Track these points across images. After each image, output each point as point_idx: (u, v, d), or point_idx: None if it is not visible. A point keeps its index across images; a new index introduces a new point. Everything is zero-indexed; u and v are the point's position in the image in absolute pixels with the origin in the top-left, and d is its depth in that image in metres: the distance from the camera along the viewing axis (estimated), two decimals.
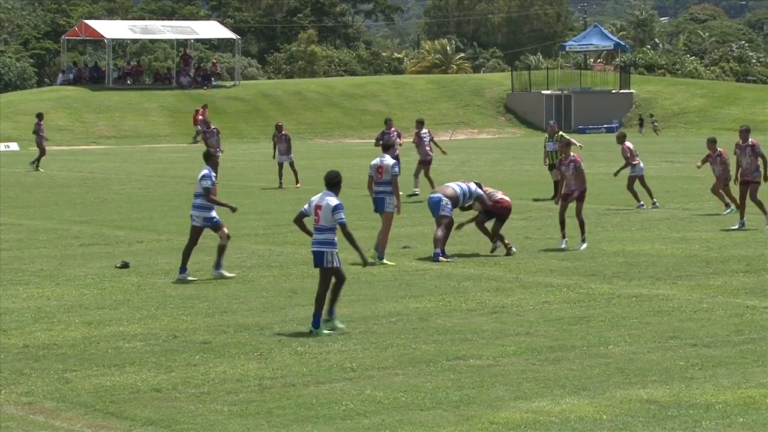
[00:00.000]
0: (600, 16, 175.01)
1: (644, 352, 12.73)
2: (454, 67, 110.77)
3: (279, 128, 35.45)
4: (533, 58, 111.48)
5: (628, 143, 27.82)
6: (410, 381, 11.54)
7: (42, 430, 10.00)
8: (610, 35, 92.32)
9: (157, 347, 13.08)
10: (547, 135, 31.25)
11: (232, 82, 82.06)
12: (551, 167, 29.26)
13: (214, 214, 18.06)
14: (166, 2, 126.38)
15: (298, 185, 34.00)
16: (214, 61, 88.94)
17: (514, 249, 20.02)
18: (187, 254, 17.70)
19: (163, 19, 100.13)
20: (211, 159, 18.59)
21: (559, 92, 79.80)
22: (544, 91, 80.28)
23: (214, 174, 18.44)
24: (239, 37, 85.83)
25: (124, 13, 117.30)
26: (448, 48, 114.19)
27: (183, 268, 17.61)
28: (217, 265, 17.86)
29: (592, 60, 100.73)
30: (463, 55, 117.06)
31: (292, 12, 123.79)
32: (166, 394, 11.10)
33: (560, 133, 30.04)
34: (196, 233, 18.03)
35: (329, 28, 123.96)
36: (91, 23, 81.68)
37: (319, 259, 13.88)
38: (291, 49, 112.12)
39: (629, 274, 17.88)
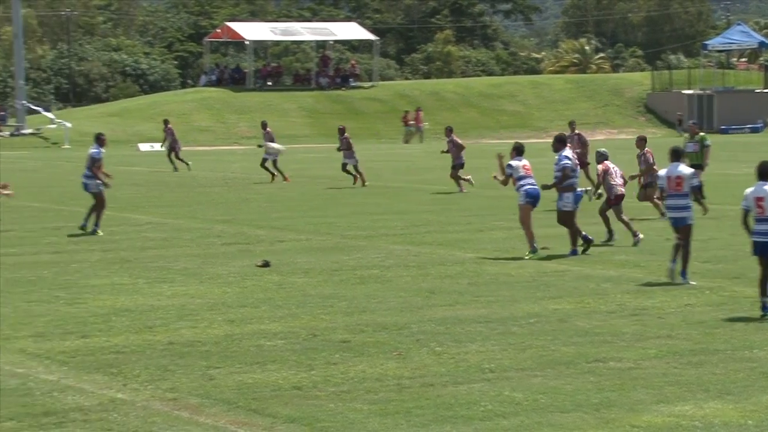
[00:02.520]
0: (743, 14, 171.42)
1: None
2: (593, 66, 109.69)
3: (341, 131, 35.98)
4: (674, 58, 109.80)
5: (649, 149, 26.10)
6: (549, 383, 11.48)
7: (187, 425, 10.18)
8: (753, 33, 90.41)
9: (297, 345, 13.23)
10: (687, 135, 30.75)
11: (370, 83, 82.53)
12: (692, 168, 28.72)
13: None
14: (307, 4, 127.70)
15: (365, 184, 34.64)
16: (353, 62, 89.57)
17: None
18: None
19: (303, 21, 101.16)
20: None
21: (701, 92, 78.46)
22: (685, 91, 79.02)
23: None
24: (378, 38, 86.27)
25: (266, 16, 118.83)
26: (586, 47, 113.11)
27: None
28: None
29: (735, 59, 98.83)
30: (602, 54, 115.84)
31: (431, 13, 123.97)
32: (307, 392, 11.22)
33: (701, 134, 29.48)
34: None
35: (468, 28, 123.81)
36: (233, 25, 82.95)
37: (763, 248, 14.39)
38: (428, 49, 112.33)
39: None
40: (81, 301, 15.98)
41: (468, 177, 33.05)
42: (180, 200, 31.42)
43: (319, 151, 57.54)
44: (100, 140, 24.39)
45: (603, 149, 22.72)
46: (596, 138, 72.65)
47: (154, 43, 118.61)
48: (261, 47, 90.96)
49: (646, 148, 25.24)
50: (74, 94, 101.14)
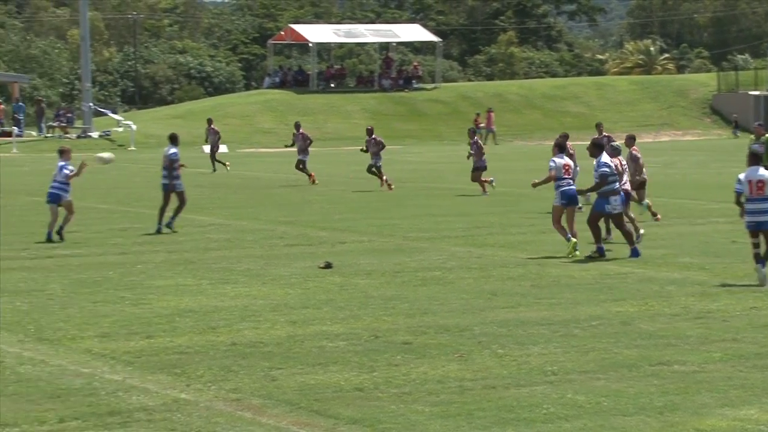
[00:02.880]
0: None
1: None
2: (658, 68, 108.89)
3: (369, 132, 35.93)
4: (741, 58, 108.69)
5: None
6: (612, 386, 11.42)
7: (250, 426, 10.24)
8: None
9: (359, 347, 13.26)
10: (752, 137, 30.47)
11: (433, 85, 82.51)
12: None
13: None
14: (371, 6, 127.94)
15: (388, 187, 34.45)
16: (416, 64, 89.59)
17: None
18: None
19: (366, 23, 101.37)
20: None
21: None
22: (751, 92, 78.19)
23: None
24: (441, 39, 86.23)
25: (330, 18, 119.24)
26: (651, 48, 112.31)
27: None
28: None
29: None
30: (667, 55, 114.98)
31: (494, 14, 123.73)
32: (369, 393, 11.24)
33: (767, 135, 29.19)
34: None
35: (531, 29, 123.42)
36: (297, 28, 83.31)
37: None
38: (491, 51, 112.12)
39: None
40: (146, 301, 16.13)
41: (491, 179, 32.90)
42: (243, 202, 31.61)
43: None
44: (175, 140, 24.97)
45: (616, 143, 22.65)
46: (661, 139, 72.17)
47: (218, 46, 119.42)
48: (324, 49, 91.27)
49: (634, 147, 25.10)
50: (140, 96, 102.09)
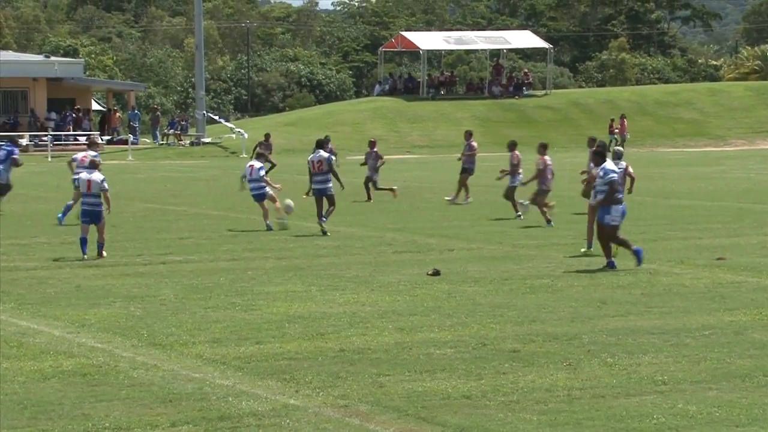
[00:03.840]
0: None
1: None
2: None
3: (372, 144, 35.66)
4: None
5: (518, 152, 29.06)
6: (724, 396, 11.24)
7: None
8: None
9: (466, 354, 13.25)
10: None
11: (544, 91, 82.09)
12: None
13: None
14: (482, 13, 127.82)
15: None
16: (526, 70, 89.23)
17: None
18: None
19: (477, 30, 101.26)
20: None
21: None
22: None
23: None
24: (552, 46, 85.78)
25: (441, 25, 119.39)
26: None
27: None
28: None
29: None
30: None
31: (606, 20, 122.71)
32: (476, 401, 11.22)
33: None
34: None
35: (644, 35, 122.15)
36: (408, 35, 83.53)
37: None
38: (602, 57, 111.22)
39: None
40: (256, 307, 16.30)
41: (462, 198, 32.67)
42: (352, 209, 31.76)
43: (491, 160, 57.44)
44: (326, 143, 26.55)
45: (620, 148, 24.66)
46: None
47: (330, 53, 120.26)
48: (435, 56, 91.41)
49: (545, 155, 26.74)
50: (252, 104, 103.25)
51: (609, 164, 19.91)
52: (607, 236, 19.58)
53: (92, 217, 21.54)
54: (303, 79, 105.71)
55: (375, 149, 35.43)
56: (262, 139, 42.76)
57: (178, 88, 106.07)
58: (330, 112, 76.57)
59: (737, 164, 52.16)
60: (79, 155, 27.78)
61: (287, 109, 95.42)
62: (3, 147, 30.53)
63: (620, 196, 19.77)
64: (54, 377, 12.32)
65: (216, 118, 76.61)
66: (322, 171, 25.41)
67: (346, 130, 70.08)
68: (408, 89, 79.45)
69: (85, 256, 21.29)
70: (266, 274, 19.44)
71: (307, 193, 26.86)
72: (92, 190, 21.55)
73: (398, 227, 26.64)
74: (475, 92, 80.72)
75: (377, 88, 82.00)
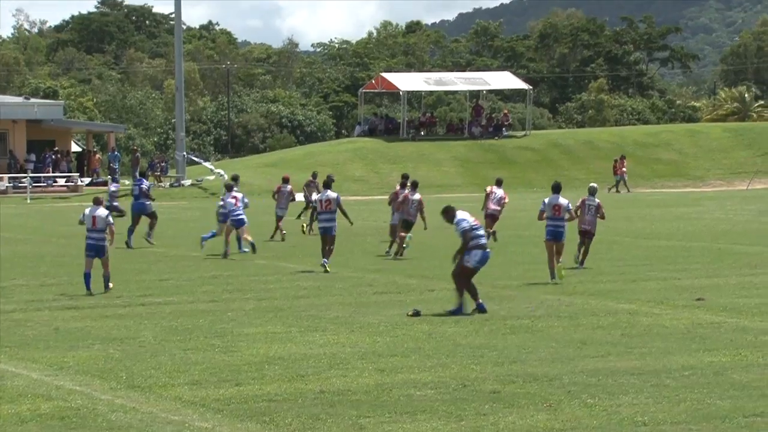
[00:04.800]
0: None
1: None
2: (753, 115, 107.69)
3: (285, 180, 36.41)
4: None
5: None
6: None
7: None
8: None
9: (447, 395, 13.22)
10: None
11: (523, 132, 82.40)
12: None
13: None
14: (461, 54, 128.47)
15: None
16: (506, 111, 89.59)
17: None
18: None
19: (457, 71, 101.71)
20: None
21: None
22: None
23: None
24: (531, 87, 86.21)
25: (421, 66, 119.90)
26: (746, 95, 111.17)
27: None
28: None
29: None
30: (762, 102, 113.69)
31: (586, 61, 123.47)
32: None
33: None
34: None
35: (623, 77, 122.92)
36: (388, 76, 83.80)
37: None
38: (582, 98, 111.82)
39: None
40: (235, 349, 16.24)
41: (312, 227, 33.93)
42: (333, 249, 31.71)
43: (471, 201, 57.60)
44: (328, 183, 27.28)
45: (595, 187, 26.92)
46: (755, 187, 71.15)
47: (310, 94, 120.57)
48: (415, 97, 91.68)
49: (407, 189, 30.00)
50: (232, 145, 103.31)
51: (461, 215, 19.69)
52: (456, 274, 19.42)
53: (97, 251, 22.64)
54: (283, 120, 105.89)
55: (288, 186, 36.25)
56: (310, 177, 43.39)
57: (158, 130, 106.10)
58: (310, 152, 76.65)
59: (716, 205, 52.38)
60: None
61: (268, 149, 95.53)
62: (134, 185, 35.64)
63: (482, 242, 19.60)
64: (32, 420, 12.24)
65: (196, 159, 76.60)
66: (330, 210, 26.59)
67: (327, 171, 70.02)
68: (388, 130, 79.65)
69: (90, 291, 22.21)
70: (246, 316, 19.40)
71: (303, 228, 30.69)
72: (97, 226, 22.66)
73: (378, 268, 26.63)
74: (455, 133, 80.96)
75: (357, 128, 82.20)
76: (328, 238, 26.40)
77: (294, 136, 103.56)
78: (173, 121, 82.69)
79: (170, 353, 15.96)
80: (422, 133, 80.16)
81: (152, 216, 34.09)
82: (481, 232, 19.72)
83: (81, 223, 23.21)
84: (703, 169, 77.23)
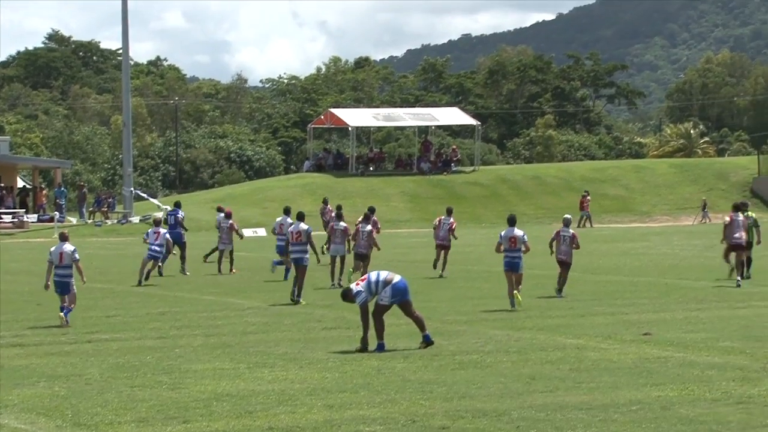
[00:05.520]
0: None
1: None
2: (698, 151, 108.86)
3: (228, 215, 36.97)
4: None
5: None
6: None
7: None
8: None
9: (396, 431, 13.18)
10: None
11: (472, 168, 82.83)
12: None
13: None
14: (410, 90, 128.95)
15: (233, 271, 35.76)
16: (454, 147, 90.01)
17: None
18: None
19: (406, 107, 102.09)
20: None
21: None
22: None
23: None
24: (479, 123, 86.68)
25: (370, 102, 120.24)
26: (691, 132, 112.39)
27: None
28: None
29: None
30: (707, 138, 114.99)
31: (533, 97, 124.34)
32: None
33: None
34: None
35: (570, 113, 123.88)
36: (337, 112, 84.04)
37: None
38: (530, 134, 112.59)
39: None
40: (183, 386, 16.12)
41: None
42: (282, 285, 31.65)
43: (420, 236, 57.68)
44: (301, 216, 28.00)
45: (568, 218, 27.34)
46: (706, 222, 71.84)
47: (259, 130, 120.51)
48: (363, 133, 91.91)
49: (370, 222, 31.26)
50: (180, 180, 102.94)
51: (356, 288, 19.46)
52: (374, 313, 19.33)
53: (62, 288, 22.63)
54: (232, 155, 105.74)
55: (231, 221, 36.69)
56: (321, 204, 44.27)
57: (106, 165, 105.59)
58: (260, 188, 76.55)
59: (662, 240, 52.79)
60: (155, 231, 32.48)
61: (216, 185, 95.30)
62: (169, 214, 37.51)
63: (395, 279, 19.41)
64: None
65: (144, 195, 76.25)
66: (300, 242, 27.31)
67: (276, 207, 69.99)
68: (337, 165, 79.78)
69: (67, 324, 22.47)
70: (194, 352, 19.27)
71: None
72: (64, 262, 22.54)
73: (327, 303, 26.57)
74: (404, 168, 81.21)
75: (306, 164, 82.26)
76: (298, 269, 26.90)
77: (243, 172, 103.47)
78: (121, 156, 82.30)
79: (117, 390, 15.81)
80: (371, 168, 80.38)
81: (183, 247, 35.70)
82: (385, 277, 19.32)
83: (50, 262, 22.92)
84: (650, 204, 77.92)
